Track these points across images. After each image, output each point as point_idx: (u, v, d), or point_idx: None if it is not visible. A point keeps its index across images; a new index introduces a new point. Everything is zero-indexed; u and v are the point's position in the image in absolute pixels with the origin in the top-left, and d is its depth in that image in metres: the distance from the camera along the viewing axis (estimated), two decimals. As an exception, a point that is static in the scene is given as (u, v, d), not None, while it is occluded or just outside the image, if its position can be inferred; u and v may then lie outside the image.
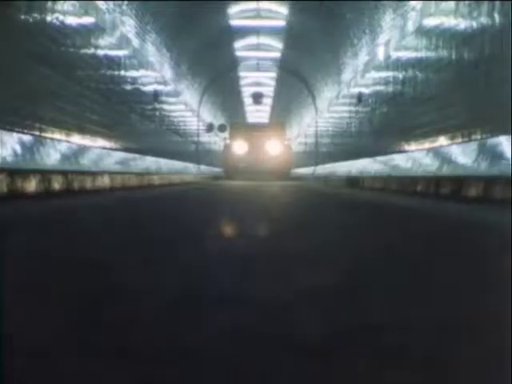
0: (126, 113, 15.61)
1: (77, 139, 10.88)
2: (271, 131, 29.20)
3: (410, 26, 13.16)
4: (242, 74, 35.71)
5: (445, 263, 2.16)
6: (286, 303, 1.41)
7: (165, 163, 20.51)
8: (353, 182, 15.54)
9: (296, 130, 41.58)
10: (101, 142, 12.65)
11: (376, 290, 1.61)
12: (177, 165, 23.30)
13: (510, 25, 7.74)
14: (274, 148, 28.55)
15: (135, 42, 16.47)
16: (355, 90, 20.07)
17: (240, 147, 28.68)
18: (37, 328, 1.19)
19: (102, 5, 12.75)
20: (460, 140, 9.65)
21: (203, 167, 31.64)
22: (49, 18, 9.52)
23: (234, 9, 22.61)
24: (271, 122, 31.16)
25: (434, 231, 3.50)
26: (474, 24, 9.19)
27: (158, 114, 20.09)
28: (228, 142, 29.35)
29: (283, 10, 22.53)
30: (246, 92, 41.31)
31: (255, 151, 28.52)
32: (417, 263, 2.15)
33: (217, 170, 35.66)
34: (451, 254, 2.45)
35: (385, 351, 1.04)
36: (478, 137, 8.80)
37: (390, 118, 15.21)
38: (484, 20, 8.77)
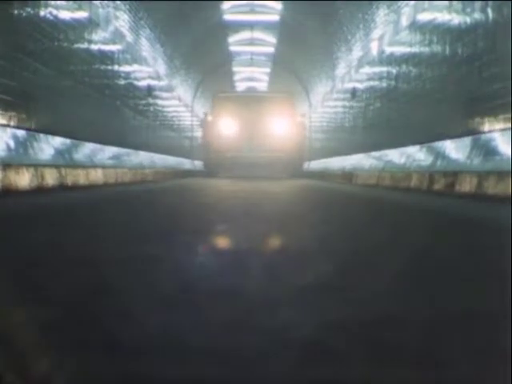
0: (120, 107, 15.58)
1: (70, 134, 10.84)
2: (275, 104, 19.85)
3: (404, 22, 13.17)
4: (235, 68, 35.65)
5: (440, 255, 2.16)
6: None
7: (158, 158, 20.47)
8: (348, 177, 15.55)
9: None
10: (94, 137, 12.62)
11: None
12: (170, 160, 23.26)
13: (503, 20, 7.75)
14: (279, 128, 19.24)
15: (129, 37, 16.42)
16: (349, 85, 20.06)
17: (228, 127, 19.23)
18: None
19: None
20: (454, 135, 9.66)
21: (197, 162, 31.58)
22: (42, 13, 9.48)
23: (227, 3, 22.56)
24: (275, 92, 21.42)
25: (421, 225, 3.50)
26: (468, 20, 9.20)
27: (151, 108, 20.04)
28: (210, 119, 19.96)
29: (277, 4, 22.49)
30: (240, 87, 41.27)
31: (251, 133, 19.07)
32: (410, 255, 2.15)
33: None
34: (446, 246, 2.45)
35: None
36: (472, 132, 8.81)
37: (384, 113, 15.22)
38: (477, 16, 8.78)
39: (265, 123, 19.22)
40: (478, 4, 8.74)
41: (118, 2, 14.60)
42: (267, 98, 20.31)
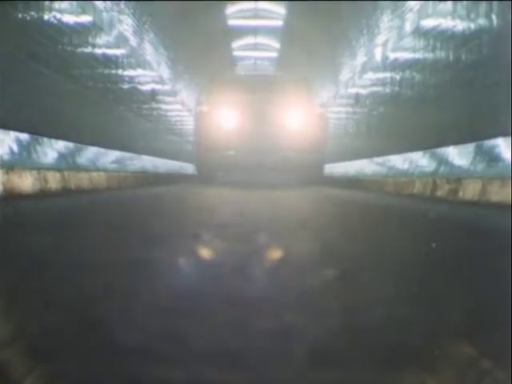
0: (123, 112, 15.59)
1: (73, 138, 10.86)
2: (288, 90, 15.22)
3: (408, 27, 13.17)
4: (239, 73, 35.76)
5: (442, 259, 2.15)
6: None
7: (161, 163, 20.50)
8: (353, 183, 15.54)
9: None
10: (97, 141, 12.64)
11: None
12: (173, 164, 23.29)
13: (507, 25, 7.75)
14: (293, 121, 14.46)
15: (133, 41, 16.46)
16: (352, 91, 20.07)
17: (228, 119, 14.49)
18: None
19: (99, 3, 12.73)
20: (458, 141, 9.66)
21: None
22: (46, 17, 9.50)
23: (231, 8, 22.62)
24: (287, 76, 17.23)
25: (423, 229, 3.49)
26: (472, 25, 9.20)
27: (155, 113, 20.07)
28: (204, 109, 15.22)
29: (281, 9, 22.53)
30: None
31: (257, 126, 14.38)
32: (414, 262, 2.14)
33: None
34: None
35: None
36: (476, 138, 8.81)
37: (387, 119, 15.21)
38: (482, 21, 8.77)
39: (275, 114, 14.55)
40: (482, 9, 8.73)
41: (122, 6, 14.64)
42: (278, 82, 15.75)
